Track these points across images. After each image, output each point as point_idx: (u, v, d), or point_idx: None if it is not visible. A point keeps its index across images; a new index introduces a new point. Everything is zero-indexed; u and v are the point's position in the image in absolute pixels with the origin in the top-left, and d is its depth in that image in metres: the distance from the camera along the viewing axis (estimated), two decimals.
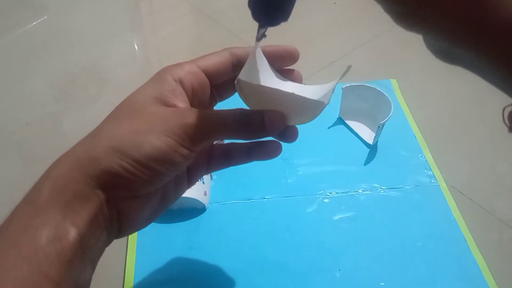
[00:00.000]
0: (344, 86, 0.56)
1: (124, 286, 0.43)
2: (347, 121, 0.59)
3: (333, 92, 0.30)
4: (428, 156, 0.56)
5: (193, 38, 0.77)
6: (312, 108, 0.30)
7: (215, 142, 0.35)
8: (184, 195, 0.46)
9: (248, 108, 0.30)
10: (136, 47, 0.75)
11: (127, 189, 0.26)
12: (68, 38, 0.74)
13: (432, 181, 0.53)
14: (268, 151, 0.33)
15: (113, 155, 0.25)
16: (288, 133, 0.31)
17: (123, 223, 0.28)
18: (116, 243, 0.46)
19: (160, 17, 0.82)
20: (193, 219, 0.48)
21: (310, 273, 0.44)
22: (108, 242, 0.28)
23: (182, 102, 0.29)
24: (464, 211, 0.50)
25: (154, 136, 0.26)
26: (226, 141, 0.35)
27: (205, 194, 0.49)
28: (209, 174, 0.51)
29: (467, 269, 0.45)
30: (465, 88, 0.67)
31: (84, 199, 0.25)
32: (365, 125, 0.58)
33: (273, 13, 0.30)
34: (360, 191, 0.52)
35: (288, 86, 0.32)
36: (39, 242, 0.22)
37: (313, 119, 0.31)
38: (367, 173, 0.53)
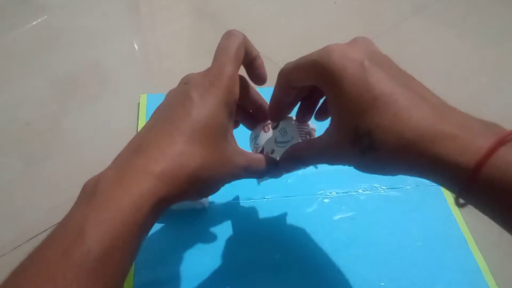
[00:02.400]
0: None
1: (124, 286, 0.43)
2: None
3: None
4: None
5: (193, 38, 0.77)
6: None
7: None
8: None
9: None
10: (136, 47, 0.75)
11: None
12: (68, 38, 0.74)
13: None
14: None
15: (189, 184, 0.29)
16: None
17: None
18: None
19: (160, 17, 0.82)
20: (193, 219, 0.48)
21: (310, 273, 0.44)
22: None
23: (233, 121, 0.34)
24: (464, 211, 0.50)
25: (224, 176, 0.32)
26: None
27: None
28: None
29: (467, 269, 0.45)
30: (464, 89, 0.67)
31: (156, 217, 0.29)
32: None
33: None
34: (360, 191, 0.52)
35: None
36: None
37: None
38: (367, 173, 0.53)
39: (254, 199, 0.50)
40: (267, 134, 0.41)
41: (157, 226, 0.48)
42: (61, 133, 0.58)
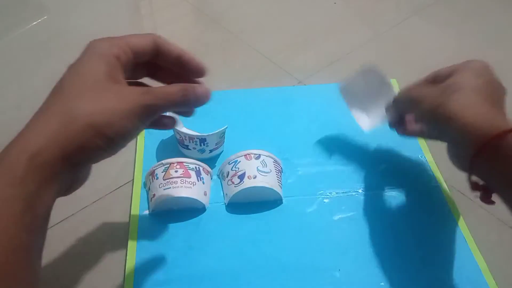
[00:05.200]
0: (342, 84, 0.54)
1: (124, 286, 0.43)
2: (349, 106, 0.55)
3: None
4: (428, 156, 0.56)
5: (193, 38, 0.77)
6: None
7: None
8: (184, 195, 0.46)
9: None
10: None
11: (90, 162, 0.31)
12: (68, 38, 0.74)
13: (432, 181, 0.53)
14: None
15: (90, 133, 0.29)
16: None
17: (71, 189, 0.32)
18: (116, 243, 0.46)
19: (160, 17, 0.82)
20: (193, 219, 0.48)
21: (310, 273, 0.44)
22: None
23: (123, 78, 0.33)
24: (464, 211, 0.50)
25: (123, 115, 0.30)
26: None
27: (205, 194, 0.49)
28: (209, 174, 0.51)
29: (467, 269, 0.45)
30: None
31: (56, 178, 0.28)
32: (366, 114, 0.55)
33: None
34: (360, 191, 0.52)
35: None
36: (16, 213, 0.26)
37: None
38: (367, 173, 0.53)
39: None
40: (249, 162, 0.49)
41: (157, 226, 0.48)
42: None
